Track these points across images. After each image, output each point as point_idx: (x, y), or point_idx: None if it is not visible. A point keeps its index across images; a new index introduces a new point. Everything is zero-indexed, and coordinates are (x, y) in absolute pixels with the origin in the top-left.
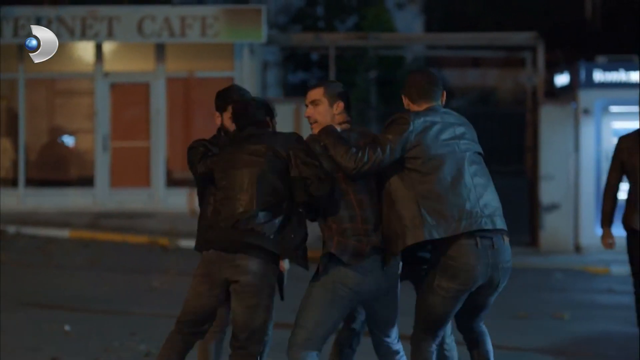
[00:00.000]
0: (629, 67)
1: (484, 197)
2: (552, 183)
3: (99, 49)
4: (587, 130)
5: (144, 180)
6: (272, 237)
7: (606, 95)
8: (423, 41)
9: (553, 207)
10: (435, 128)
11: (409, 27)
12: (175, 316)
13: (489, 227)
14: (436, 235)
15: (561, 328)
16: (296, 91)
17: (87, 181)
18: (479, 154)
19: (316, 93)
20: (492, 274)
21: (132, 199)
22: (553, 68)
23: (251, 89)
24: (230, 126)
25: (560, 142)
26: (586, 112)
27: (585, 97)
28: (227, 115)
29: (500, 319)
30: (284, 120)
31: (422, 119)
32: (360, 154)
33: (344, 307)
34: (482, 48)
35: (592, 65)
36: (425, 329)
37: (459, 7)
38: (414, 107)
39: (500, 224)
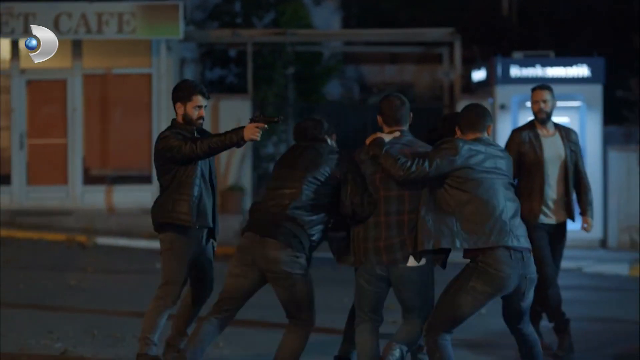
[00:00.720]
0: (545, 63)
1: (514, 219)
2: None
3: (15, 45)
4: (504, 125)
5: (61, 177)
6: (307, 230)
7: (523, 91)
8: (340, 37)
9: None
10: (480, 156)
11: (326, 23)
12: (93, 313)
13: (515, 244)
14: (465, 246)
15: (479, 321)
16: (214, 88)
17: (3, 179)
18: (512, 184)
19: None
20: (519, 283)
21: (49, 197)
22: (470, 64)
23: (168, 86)
24: (194, 115)
25: None
26: (503, 107)
27: (501, 92)
28: (191, 105)
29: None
30: None
31: (467, 147)
32: (409, 164)
33: None
34: (400, 44)
35: (508, 61)
36: (447, 323)
37: (375, 3)
38: (462, 137)
39: (525, 243)
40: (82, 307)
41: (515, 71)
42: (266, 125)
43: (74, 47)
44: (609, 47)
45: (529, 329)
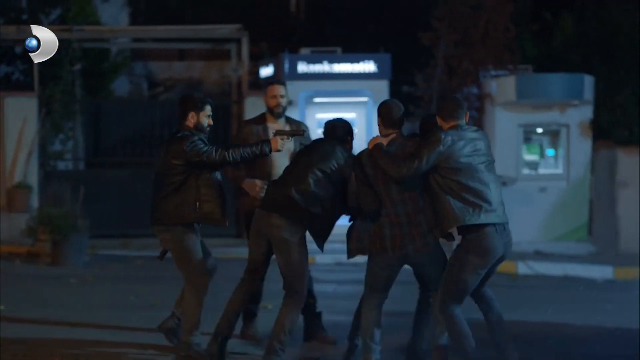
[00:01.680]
0: (332, 59)
1: (497, 198)
2: None
3: None
4: None
5: None
6: (307, 212)
7: (310, 87)
8: (128, 34)
9: None
10: (460, 143)
11: (114, 19)
12: None
13: (498, 220)
14: (462, 223)
15: (265, 317)
16: None
17: None
18: (492, 161)
19: None
20: (504, 251)
21: None
22: (258, 60)
23: None
24: (205, 123)
25: None
26: (290, 103)
27: (289, 88)
28: (204, 114)
29: (209, 311)
30: None
31: (449, 138)
32: (401, 165)
33: None
34: (188, 40)
35: (295, 57)
36: (456, 298)
37: (162, 0)
38: (444, 124)
39: (504, 217)
40: None
41: (302, 67)
42: (290, 138)
43: None
44: (396, 43)
45: (489, 292)
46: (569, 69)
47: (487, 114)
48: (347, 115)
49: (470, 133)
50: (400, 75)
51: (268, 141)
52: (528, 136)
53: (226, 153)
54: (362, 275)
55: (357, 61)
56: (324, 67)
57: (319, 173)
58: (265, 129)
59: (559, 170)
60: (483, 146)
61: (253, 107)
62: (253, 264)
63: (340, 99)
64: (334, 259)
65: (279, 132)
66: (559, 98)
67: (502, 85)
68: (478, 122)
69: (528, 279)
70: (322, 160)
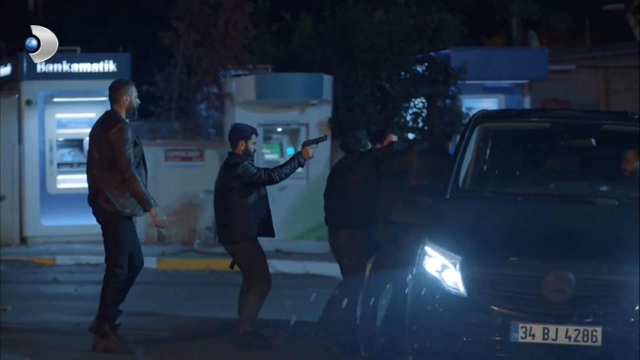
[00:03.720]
0: (71, 59)
1: None
2: None
3: None
4: (31, 121)
5: None
6: None
7: (49, 87)
8: None
9: None
10: None
11: None
12: None
13: None
14: None
15: (4, 320)
16: None
17: None
18: None
19: None
20: None
21: None
22: None
23: None
24: (252, 149)
25: (6, 133)
26: (29, 103)
27: (27, 88)
28: (251, 142)
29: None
30: None
31: None
32: None
33: None
34: None
35: None
36: None
37: None
38: None
39: None
40: None
41: (41, 67)
42: (317, 145)
43: None
44: (136, 42)
45: None
46: (308, 68)
47: (228, 113)
48: (87, 115)
49: None
50: (140, 75)
51: (300, 153)
52: (268, 135)
53: (272, 173)
54: (101, 276)
55: (97, 61)
56: (63, 67)
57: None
58: None
59: (299, 169)
60: None
61: None
62: None
63: (80, 98)
64: (73, 259)
65: (307, 143)
66: (299, 97)
67: (241, 85)
68: (219, 122)
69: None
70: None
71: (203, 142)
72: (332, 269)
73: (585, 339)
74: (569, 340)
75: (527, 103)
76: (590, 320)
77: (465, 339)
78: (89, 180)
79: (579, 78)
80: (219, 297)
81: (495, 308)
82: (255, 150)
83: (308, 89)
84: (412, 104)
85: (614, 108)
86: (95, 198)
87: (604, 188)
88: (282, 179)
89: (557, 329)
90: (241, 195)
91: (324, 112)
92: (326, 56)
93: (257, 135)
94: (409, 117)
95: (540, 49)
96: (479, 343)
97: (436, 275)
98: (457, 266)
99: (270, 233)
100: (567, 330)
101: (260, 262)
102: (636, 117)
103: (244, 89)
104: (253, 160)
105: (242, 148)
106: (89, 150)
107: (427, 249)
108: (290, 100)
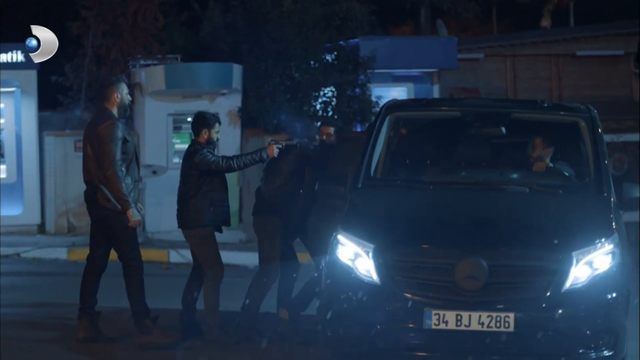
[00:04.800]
0: None
1: None
2: None
3: None
4: None
5: None
6: None
7: None
8: None
9: None
10: None
11: None
12: None
13: None
14: None
15: None
16: None
17: None
18: None
19: None
20: None
21: None
22: None
23: None
24: (215, 137)
25: None
26: None
27: None
28: (215, 130)
29: None
30: None
31: None
32: None
33: None
34: None
35: None
36: None
37: None
38: None
39: None
40: None
41: None
42: (283, 146)
43: None
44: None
45: None
46: (218, 58)
47: (138, 103)
48: None
49: None
50: (48, 65)
51: (264, 149)
52: (178, 125)
53: (231, 162)
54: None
55: (5, 51)
56: None
57: None
58: None
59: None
60: None
61: None
62: None
63: None
64: None
65: (274, 141)
66: (208, 87)
67: (151, 75)
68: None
69: (181, 267)
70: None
71: None
72: (244, 258)
73: (498, 324)
74: (482, 327)
75: (436, 92)
76: (502, 306)
77: (379, 327)
78: (87, 177)
79: (487, 66)
80: None
81: (409, 295)
82: (218, 139)
83: (218, 79)
84: (321, 93)
85: (521, 96)
86: (95, 195)
87: (515, 175)
88: (240, 168)
89: (470, 316)
90: (198, 182)
91: (234, 101)
92: (236, 46)
93: (220, 124)
94: (318, 106)
95: (449, 37)
96: (392, 330)
97: (349, 263)
98: (370, 254)
99: (226, 222)
100: (479, 316)
101: (211, 250)
102: (545, 105)
103: (154, 79)
104: (214, 149)
105: (205, 137)
106: (83, 148)
107: (340, 237)
108: (200, 90)
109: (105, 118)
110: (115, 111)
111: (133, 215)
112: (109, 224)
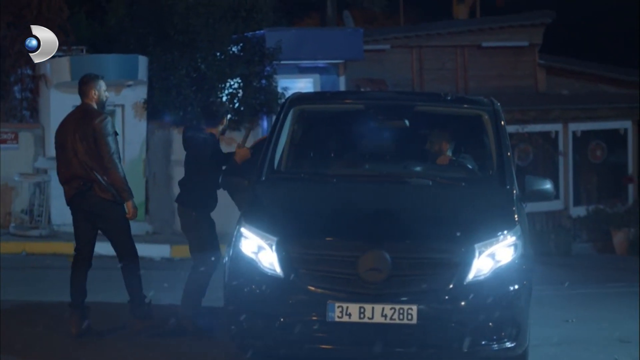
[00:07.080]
0: None
1: None
2: None
3: None
4: None
5: None
6: None
7: None
8: None
9: None
10: None
11: None
12: None
13: None
14: None
15: None
16: None
17: None
18: None
19: None
20: None
21: None
22: None
23: None
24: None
25: None
26: None
27: None
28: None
29: None
30: None
31: None
32: None
33: None
34: None
35: None
36: None
37: None
38: None
39: None
40: None
41: None
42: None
43: None
44: None
45: None
46: (124, 50)
47: (43, 95)
48: None
49: None
50: None
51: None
52: None
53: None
54: None
55: None
56: None
57: None
58: None
59: None
60: None
61: None
62: None
63: None
64: None
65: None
66: (114, 78)
67: (56, 67)
68: (33, 104)
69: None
70: None
71: (17, 124)
72: (150, 250)
73: (401, 317)
74: (385, 319)
75: (342, 83)
76: (405, 298)
77: (282, 319)
78: (73, 171)
79: (394, 58)
80: (36, 281)
81: (312, 288)
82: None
83: (123, 70)
84: (228, 84)
85: (427, 87)
86: (92, 189)
87: (418, 168)
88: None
89: (373, 308)
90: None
91: (140, 93)
92: (141, 37)
93: (229, 113)
94: (225, 98)
95: (355, 29)
96: (296, 323)
97: (252, 256)
98: (273, 247)
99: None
100: (383, 309)
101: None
102: (449, 97)
103: (59, 71)
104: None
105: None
106: (64, 143)
107: (243, 230)
108: (105, 82)
109: (97, 113)
110: (94, 107)
111: (133, 206)
112: (105, 215)
